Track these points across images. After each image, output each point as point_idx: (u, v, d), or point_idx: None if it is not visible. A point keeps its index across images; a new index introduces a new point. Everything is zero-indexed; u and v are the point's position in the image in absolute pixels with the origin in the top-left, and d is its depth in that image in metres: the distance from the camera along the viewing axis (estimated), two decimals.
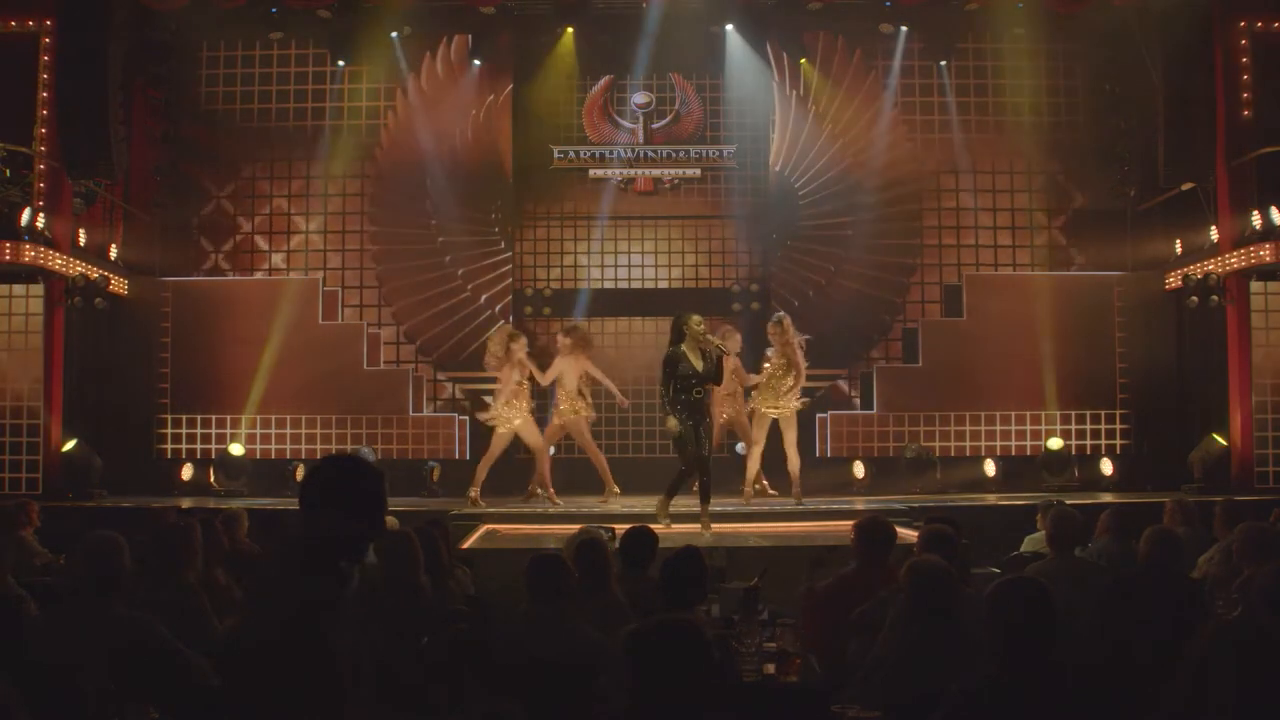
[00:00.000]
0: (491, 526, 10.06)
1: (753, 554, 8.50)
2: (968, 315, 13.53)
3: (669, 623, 3.22)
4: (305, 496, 2.96)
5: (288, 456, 13.20)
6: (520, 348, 11.03)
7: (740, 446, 13.55)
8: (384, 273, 14.10)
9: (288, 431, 13.35)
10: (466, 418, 13.56)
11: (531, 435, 11.14)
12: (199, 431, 13.36)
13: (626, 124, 14.28)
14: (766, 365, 11.06)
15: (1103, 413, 13.44)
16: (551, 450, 11.76)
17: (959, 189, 14.12)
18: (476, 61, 14.06)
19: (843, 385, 13.88)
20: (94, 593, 4.26)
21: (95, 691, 3.63)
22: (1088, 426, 13.38)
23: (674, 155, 14.22)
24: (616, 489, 11.37)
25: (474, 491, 10.98)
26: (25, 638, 3.84)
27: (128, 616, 4.13)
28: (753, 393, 11.16)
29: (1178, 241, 12.85)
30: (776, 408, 11.00)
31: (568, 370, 11.28)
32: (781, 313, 11.49)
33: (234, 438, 13.12)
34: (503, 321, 11.50)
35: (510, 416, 10.98)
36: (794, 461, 11.15)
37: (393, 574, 5.05)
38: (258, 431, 13.29)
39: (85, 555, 4.42)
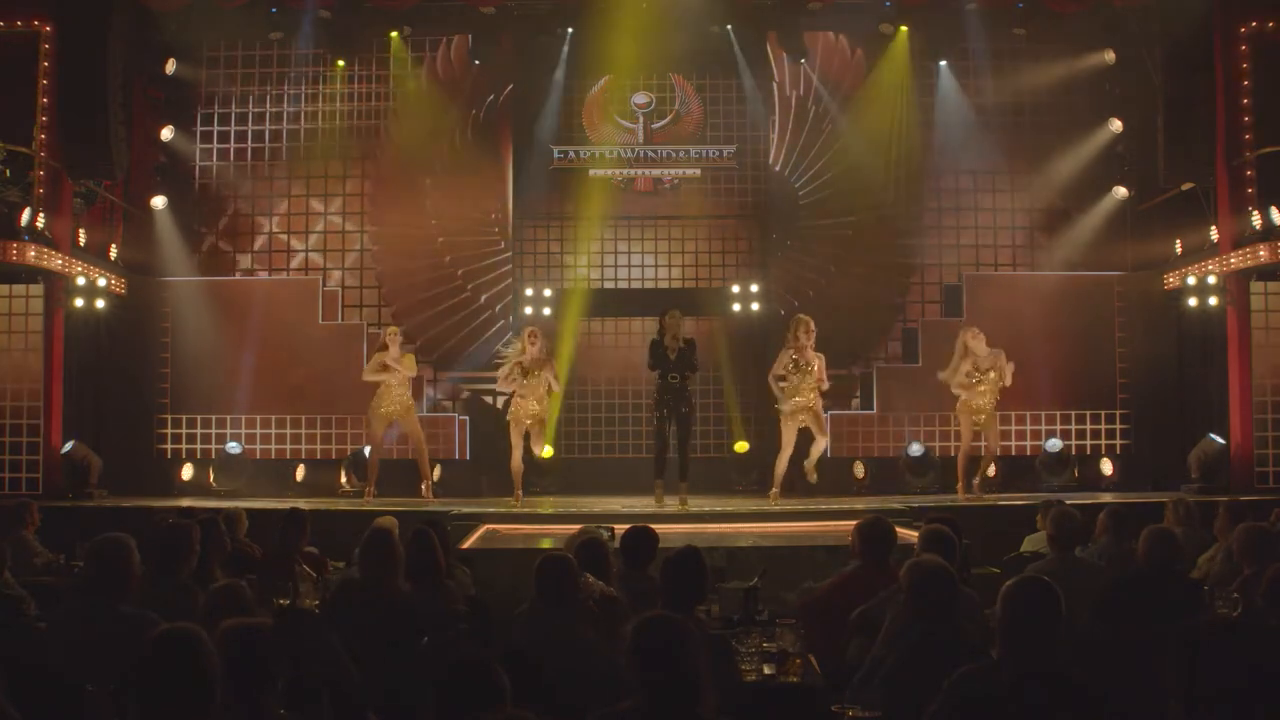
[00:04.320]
0: (491, 526, 10.07)
1: (753, 554, 8.50)
2: (968, 315, 13.51)
3: (659, 621, 3.23)
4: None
5: (288, 456, 13.19)
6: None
7: (740, 446, 13.57)
8: (384, 273, 14.10)
9: (288, 431, 13.35)
10: (467, 417, 13.57)
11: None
12: (199, 431, 13.36)
13: (626, 124, 14.29)
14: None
15: (1103, 413, 13.43)
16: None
17: (959, 189, 14.12)
18: (476, 61, 14.06)
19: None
20: (103, 593, 4.26)
21: (99, 691, 3.63)
22: (1088, 426, 13.37)
23: (674, 155, 14.23)
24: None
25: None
26: (31, 637, 3.85)
27: (136, 615, 4.13)
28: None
29: (1178, 241, 12.84)
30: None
31: None
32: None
33: (233, 438, 13.11)
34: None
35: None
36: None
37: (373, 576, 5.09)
38: (258, 431, 13.29)
39: (95, 556, 4.42)
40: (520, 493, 11.31)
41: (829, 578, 5.82)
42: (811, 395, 10.98)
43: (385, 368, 11.51)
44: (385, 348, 11.64)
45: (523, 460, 11.21)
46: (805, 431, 11.11)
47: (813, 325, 11.07)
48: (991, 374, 11.31)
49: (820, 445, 11.24)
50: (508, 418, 11.37)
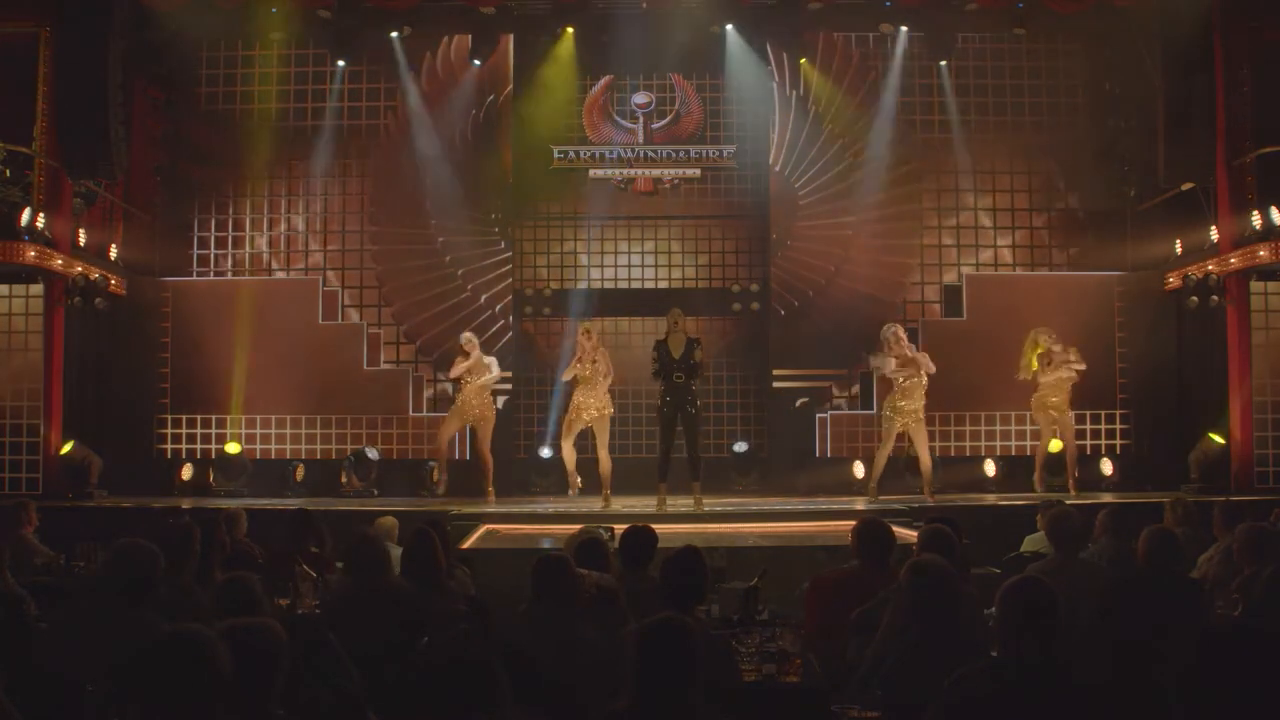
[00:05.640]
0: (491, 526, 10.07)
1: (753, 554, 8.50)
2: (968, 315, 13.52)
3: (664, 623, 3.22)
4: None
5: (288, 456, 13.19)
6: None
7: (739, 446, 13.58)
8: (384, 273, 14.10)
9: (288, 431, 13.35)
10: None
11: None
12: (199, 431, 13.36)
13: (626, 124, 14.28)
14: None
15: (1103, 413, 13.43)
16: None
17: (959, 189, 14.12)
18: (476, 61, 14.06)
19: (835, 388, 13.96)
20: (124, 598, 4.24)
21: (99, 691, 3.63)
22: (1087, 426, 13.36)
23: (674, 155, 14.22)
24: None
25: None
26: (31, 637, 3.84)
27: (153, 621, 4.12)
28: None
29: (1178, 241, 12.84)
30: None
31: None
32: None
33: (232, 438, 13.10)
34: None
35: None
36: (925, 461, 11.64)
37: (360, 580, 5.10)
38: (258, 431, 13.30)
39: (117, 560, 4.40)
40: (608, 491, 11.19)
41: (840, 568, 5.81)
42: (904, 402, 11.30)
43: (467, 369, 11.84)
44: (465, 354, 11.91)
45: (575, 453, 11.53)
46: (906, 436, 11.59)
47: (900, 331, 11.42)
48: (1061, 371, 11.68)
49: (922, 454, 11.55)
50: (567, 417, 11.53)
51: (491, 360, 12.10)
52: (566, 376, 11.60)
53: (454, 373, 12.08)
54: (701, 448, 11.25)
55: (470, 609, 5.24)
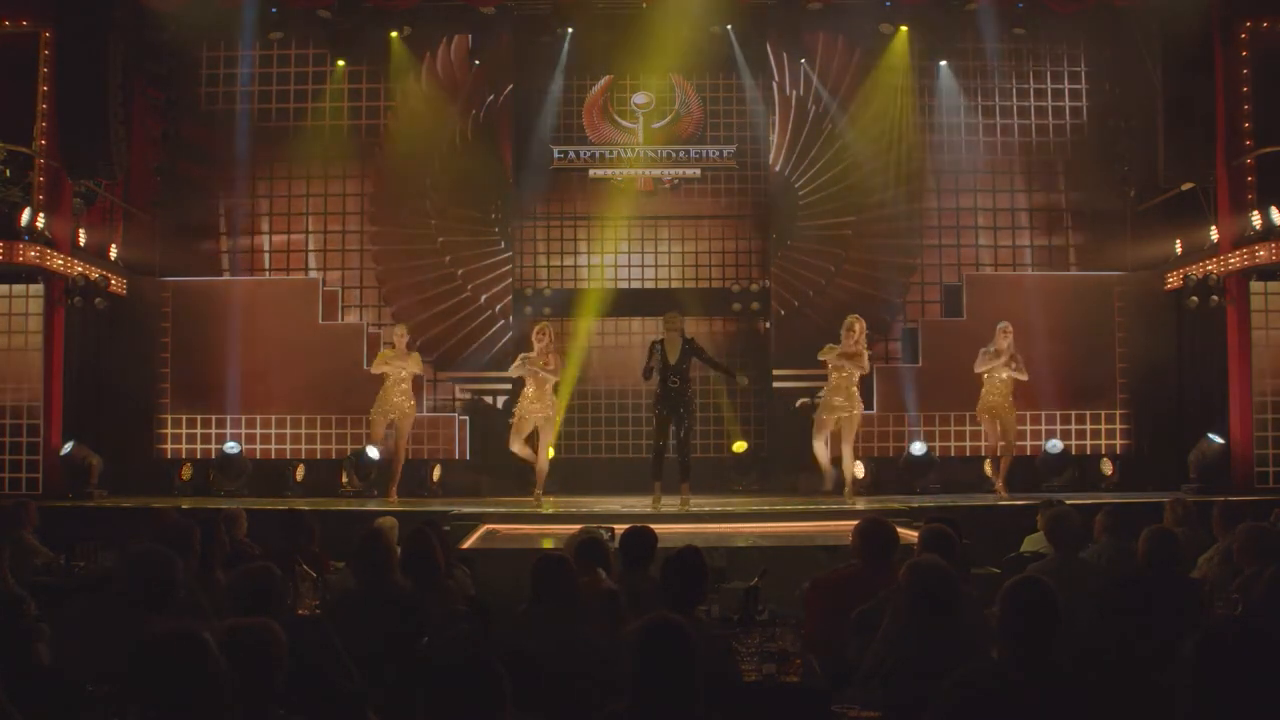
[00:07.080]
0: (491, 526, 10.07)
1: (753, 554, 8.50)
2: (968, 315, 13.52)
3: (661, 623, 3.23)
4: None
5: (288, 456, 13.19)
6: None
7: (738, 446, 13.59)
8: (384, 273, 14.10)
9: (288, 431, 13.34)
10: (467, 417, 13.57)
11: None
12: (199, 431, 13.35)
13: (626, 124, 14.29)
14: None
15: (1103, 413, 13.43)
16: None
17: (959, 189, 14.12)
18: (476, 61, 14.06)
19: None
20: (140, 604, 4.24)
21: (99, 691, 3.63)
22: (1088, 426, 13.37)
23: (674, 155, 14.22)
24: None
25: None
26: (31, 637, 3.84)
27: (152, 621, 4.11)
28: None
29: (1178, 241, 12.85)
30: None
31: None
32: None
33: (233, 438, 13.10)
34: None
35: None
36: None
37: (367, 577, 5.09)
38: (258, 431, 13.29)
39: (134, 567, 4.39)
40: (540, 491, 11.33)
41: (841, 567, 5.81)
42: (838, 399, 11.27)
43: (390, 363, 11.73)
44: (393, 345, 11.83)
45: (530, 455, 11.38)
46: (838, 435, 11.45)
47: (856, 325, 11.30)
48: (1003, 373, 11.71)
49: (845, 454, 11.42)
50: (510, 418, 11.45)
51: (416, 355, 12.03)
52: (512, 373, 11.57)
53: (375, 368, 11.97)
54: (691, 449, 11.14)
55: (470, 609, 5.25)
